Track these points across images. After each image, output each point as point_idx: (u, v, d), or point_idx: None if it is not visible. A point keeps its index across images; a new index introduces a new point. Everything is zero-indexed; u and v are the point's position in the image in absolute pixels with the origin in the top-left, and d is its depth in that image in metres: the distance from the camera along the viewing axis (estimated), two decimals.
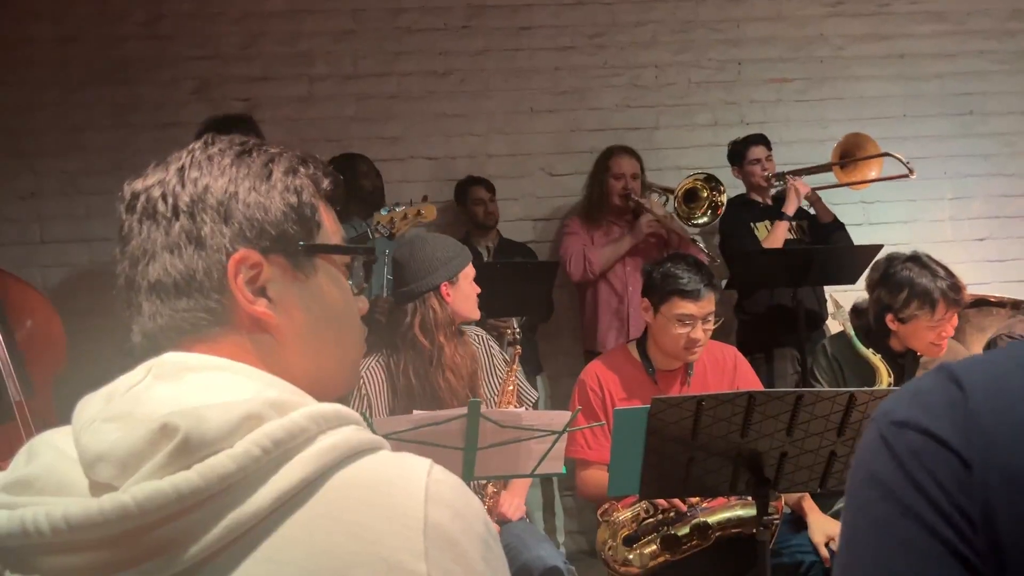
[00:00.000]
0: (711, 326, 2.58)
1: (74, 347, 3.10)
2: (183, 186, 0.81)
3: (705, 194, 3.96)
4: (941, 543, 0.62)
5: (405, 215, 3.21)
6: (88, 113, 4.17)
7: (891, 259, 2.75)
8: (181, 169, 0.82)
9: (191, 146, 0.85)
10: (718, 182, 3.95)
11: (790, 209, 3.87)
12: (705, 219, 3.97)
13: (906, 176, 3.75)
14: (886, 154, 3.83)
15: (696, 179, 3.95)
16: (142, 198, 0.82)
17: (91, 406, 0.76)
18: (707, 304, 2.53)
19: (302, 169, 0.87)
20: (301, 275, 0.84)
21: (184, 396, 0.74)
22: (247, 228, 0.81)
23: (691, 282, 2.51)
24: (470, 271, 2.56)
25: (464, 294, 2.54)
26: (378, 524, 0.70)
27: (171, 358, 0.78)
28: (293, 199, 0.84)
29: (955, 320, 2.66)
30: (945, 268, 2.67)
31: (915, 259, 2.69)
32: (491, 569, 0.74)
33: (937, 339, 2.65)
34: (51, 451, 0.75)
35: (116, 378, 0.78)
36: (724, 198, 3.93)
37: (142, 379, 0.77)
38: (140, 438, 0.70)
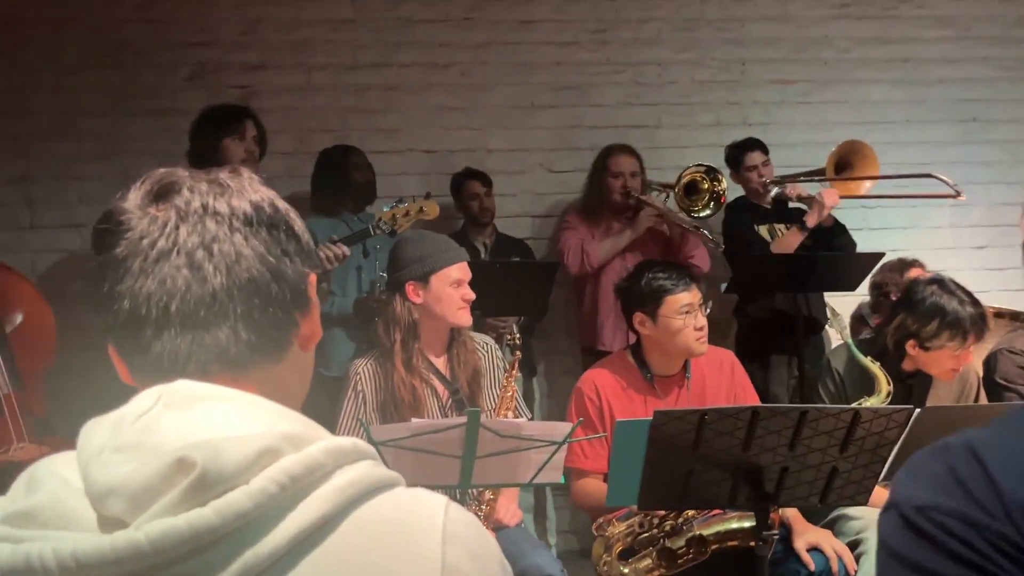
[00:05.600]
0: (705, 313, 2.64)
1: (64, 337, 3.05)
2: (262, 200, 0.81)
3: (706, 186, 3.93)
4: None
5: (407, 212, 3.17)
6: (82, 97, 4.10)
7: (916, 283, 2.69)
8: (251, 186, 0.82)
9: (232, 169, 0.84)
10: (717, 172, 3.90)
11: (812, 220, 3.75)
12: (708, 211, 3.93)
13: (953, 196, 3.69)
14: (929, 175, 3.76)
15: (696, 171, 3.91)
16: (221, 205, 0.79)
17: (98, 434, 0.73)
18: (697, 292, 2.63)
19: None
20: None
21: (196, 426, 0.71)
22: (308, 250, 0.84)
23: (674, 277, 2.62)
24: (450, 273, 2.47)
25: (438, 296, 2.46)
26: (396, 565, 0.70)
27: (182, 386, 0.75)
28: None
29: (973, 347, 2.63)
30: (970, 294, 2.61)
31: (941, 284, 2.61)
32: None
33: (956, 366, 2.62)
34: (54, 480, 0.72)
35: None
36: (725, 187, 3.89)
37: (151, 407, 0.73)
38: (154, 472, 0.68)
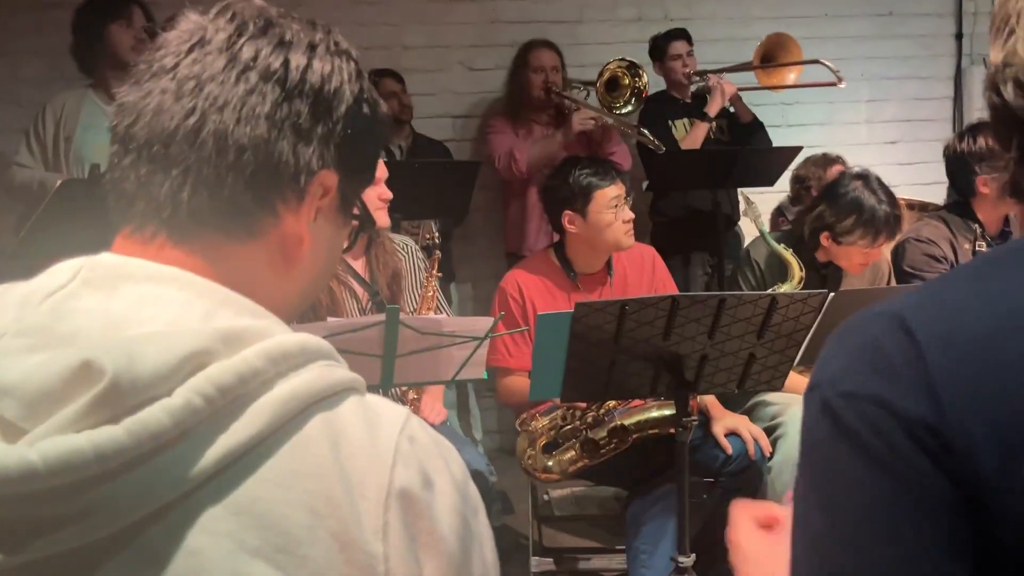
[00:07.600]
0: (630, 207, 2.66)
1: None
2: (311, 67, 0.69)
3: (627, 81, 3.86)
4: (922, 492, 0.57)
5: None
6: None
7: (843, 176, 2.73)
8: (312, 47, 0.70)
9: (318, 27, 0.73)
10: (639, 68, 3.85)
11: (712, 109, 3.82)
12: (630, 107, 3.87)
13: (834, 84, 3.74)
14: (815, 61, 3.79)
15: (619, 66, 3.83)
16: (248, 49, 0.68)
17: (2, 311, 0.63)
18: (622, 184, 2.65)
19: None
20: (340, 221, 0.76)
21: (116, 313, 0.61)
22: (347, 152, 0.71)
23: (600, 171, 2.61)
24: None
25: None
26: (336, 492, 0.60)
27: (108, 260, 0.65)
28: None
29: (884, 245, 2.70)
30: (891, 194, 2.66)
31: (866, 181, 2.65)
32: (463, 549, 0.64)
33: (865, 261, 2.69)
34: None
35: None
36: (646, 83, 3.84)
37: (67, 283, 0.63)
38: (55, 374, 0.57)
